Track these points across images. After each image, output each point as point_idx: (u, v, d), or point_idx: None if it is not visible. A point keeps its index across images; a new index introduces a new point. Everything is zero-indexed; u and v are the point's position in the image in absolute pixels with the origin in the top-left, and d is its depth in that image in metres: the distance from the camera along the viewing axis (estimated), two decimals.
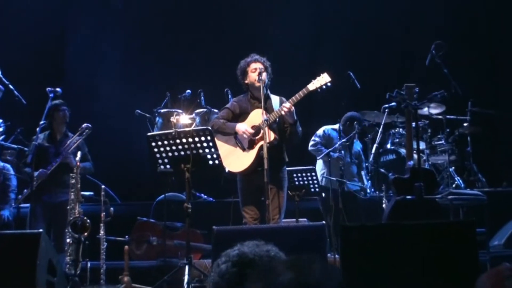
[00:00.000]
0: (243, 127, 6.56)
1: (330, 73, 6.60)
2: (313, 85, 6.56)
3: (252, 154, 6.54)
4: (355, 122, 8.77)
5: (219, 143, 6.37)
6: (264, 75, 6.59)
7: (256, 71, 6.63)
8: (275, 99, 6.76)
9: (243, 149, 6.60)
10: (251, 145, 6.57)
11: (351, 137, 8.75)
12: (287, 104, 6.45)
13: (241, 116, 6.75)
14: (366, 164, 9.16)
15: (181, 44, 11.88)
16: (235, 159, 6.60)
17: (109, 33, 12.08)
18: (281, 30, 11.69)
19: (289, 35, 11.72)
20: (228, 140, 6.67)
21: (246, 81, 6.76)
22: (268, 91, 6.78)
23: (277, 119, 6.58)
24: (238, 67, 6.83)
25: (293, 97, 6.52)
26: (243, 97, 6.89)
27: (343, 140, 8.63)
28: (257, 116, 6.55)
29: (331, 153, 8.53)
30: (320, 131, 8.97)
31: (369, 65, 11.19)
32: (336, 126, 8.85)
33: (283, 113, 6.45)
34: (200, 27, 11.85)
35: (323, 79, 6.57)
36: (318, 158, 8.83)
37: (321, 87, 6.56)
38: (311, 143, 8.88)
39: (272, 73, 6.83)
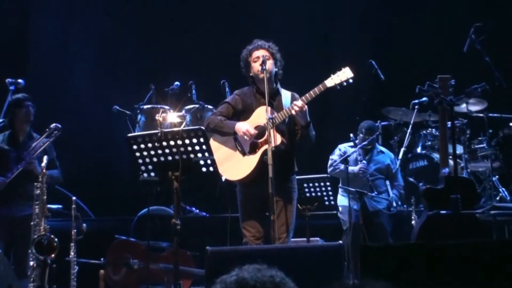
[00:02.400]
0: (244, 127, 6.52)
1: (353, 67, 6.57)
2: (332, 81, 6.51)
3: (253, 160, 6.50)
4: (364, 131, 8.84)
5: (215, 144, 6.35)
6: (269, 63, 6.55)
7: (258, 60, 6.61)
8: (286, 95, 6.70)
9: (244, 153, 6.57)
10: (253, 149, 6.54)
11: (367, 147, 8.80)
12: (298, 102, 6.38)
13: (244, 113, 6.71)
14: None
15: (168, 27, 11.87)
16: (233, 165, 6.57)
17: (81, 14, 12.07)
18: (288, 11, 11.68)
19: (299, 17, 11.71)
20: (226, 141, 6.65)
21: (251, 73, 6.74)
22: (278, 85, 6.74)
23: (286, 119, 6.55)
24: (240, 57, 6.81)
25: (307, 94, 6.46)
26: (247, 90, 6.84)
27: (354, 150, 8.66)
28: (262, 114, 6.50)
29: (350, 167, 8.57)
30: (336, 151, 9.01)
31: (394, 53, 11.18)
32: (352, 143, 8.89)
33: (293, 112, 6.41)
34: (191, 6, 11.85)
35: (344, 75, 6.53)
36: (338, 176, 8.81)
37: (341, 83, 6.53)
38: (328, 163, 8.91)
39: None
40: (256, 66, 6.59)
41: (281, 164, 6.38)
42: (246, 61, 6.71)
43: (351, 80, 6.53)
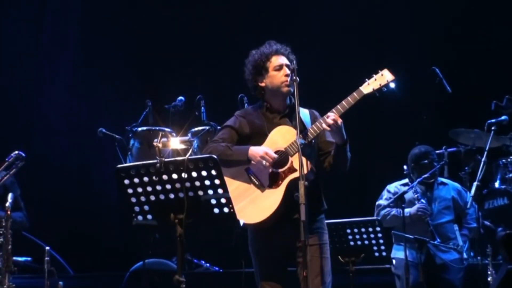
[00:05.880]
0: (262, 150, 6.41)
1: (393, 71, 6.59)
2: (368, 87, 6.51)
3: (277, 195, 6.42)
4: (415, 158, 8.88)
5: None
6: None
7: (282, 69, 6.60)
8: (304, 113, 6.68)
9: (262, 187, 6.53)
10: (274, 180, 6.52)
11: (428, 180, 8.82)
12: (331, 115, 6.39)
13: (253, 138, 6.63)
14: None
15: (169, 27, 11.93)
16: (250, 203, 6.50)
17: (57, 11, 12.14)
18: (319, 8, 11.74)
19: (334, 15, 11.75)
20: (236, 174, 6.58)
21: (262, 84, 6.73)
22: (293, 100, 6.70)
23: (313, 140, 6.54)
24: (247, 61, 6.78)
25: (339, 106, 6.40)
26: (253, 109, 6.80)
27: (411, 185, 8.67)
28: (281, 136, 6.49)
29: (405, 210, 8.56)
30: (384, 194, 9.01)
31: (464, 59, 11.20)
32: (405, 181, 8.90)
33: (325, 127, 6.38)
34: (199, 1, 11.93)
35: (383, 78, 6.55)
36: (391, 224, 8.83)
37: (379, 89, 6.55)
38: (375, 211, 8.91)
39: (305, 73, 6.77)
40: (279, 77, 6.56)
41: (310, 199, 6.32)
42: (262, 67, 6.65)
43: (392, 85, 6.53)
